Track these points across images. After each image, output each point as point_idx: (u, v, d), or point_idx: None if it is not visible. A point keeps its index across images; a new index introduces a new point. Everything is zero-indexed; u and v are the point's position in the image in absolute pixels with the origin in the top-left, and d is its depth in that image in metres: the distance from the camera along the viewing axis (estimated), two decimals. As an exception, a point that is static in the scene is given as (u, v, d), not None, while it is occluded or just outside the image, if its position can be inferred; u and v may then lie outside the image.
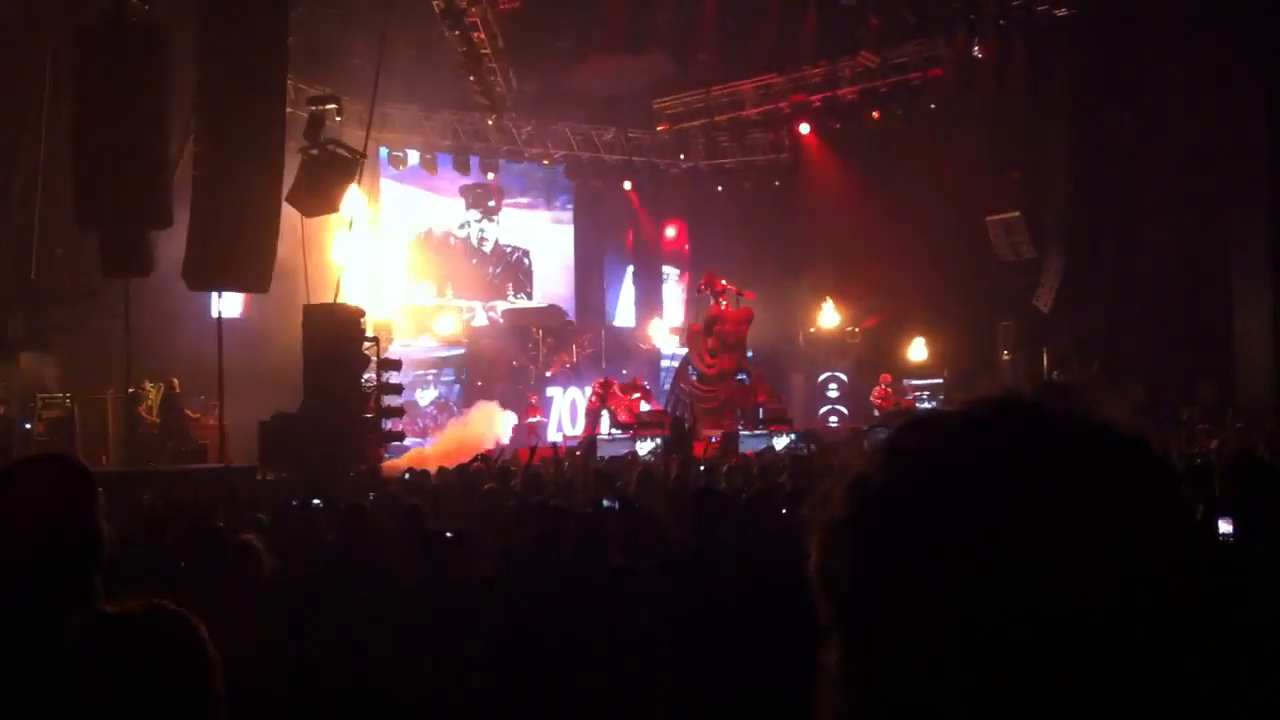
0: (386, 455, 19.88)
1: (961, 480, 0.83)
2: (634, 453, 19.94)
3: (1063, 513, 0.80)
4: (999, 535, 0.80)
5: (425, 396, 26.72)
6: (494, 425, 24.26)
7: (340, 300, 19.85)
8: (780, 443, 21.54)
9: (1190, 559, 0.82)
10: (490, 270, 29.99)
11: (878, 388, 25.91)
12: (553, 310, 30.11)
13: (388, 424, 19.56)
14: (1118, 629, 0.78)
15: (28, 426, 18.43)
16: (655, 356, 29.15)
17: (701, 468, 15.03)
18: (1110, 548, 0.80)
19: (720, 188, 31.57)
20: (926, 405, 25.11)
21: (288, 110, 18.99)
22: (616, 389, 24.76)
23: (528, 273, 30.55)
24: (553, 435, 25.75)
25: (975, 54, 25.25)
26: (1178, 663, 0.80)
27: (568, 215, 31.35)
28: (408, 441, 22.73)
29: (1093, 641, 0.78)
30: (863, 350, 27.89)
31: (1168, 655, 0.79)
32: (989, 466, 0.83)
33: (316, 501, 11.05)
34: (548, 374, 27.40)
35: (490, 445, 22.43)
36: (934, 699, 0.81)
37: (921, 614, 0.81)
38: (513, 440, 23.49)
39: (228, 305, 20.66)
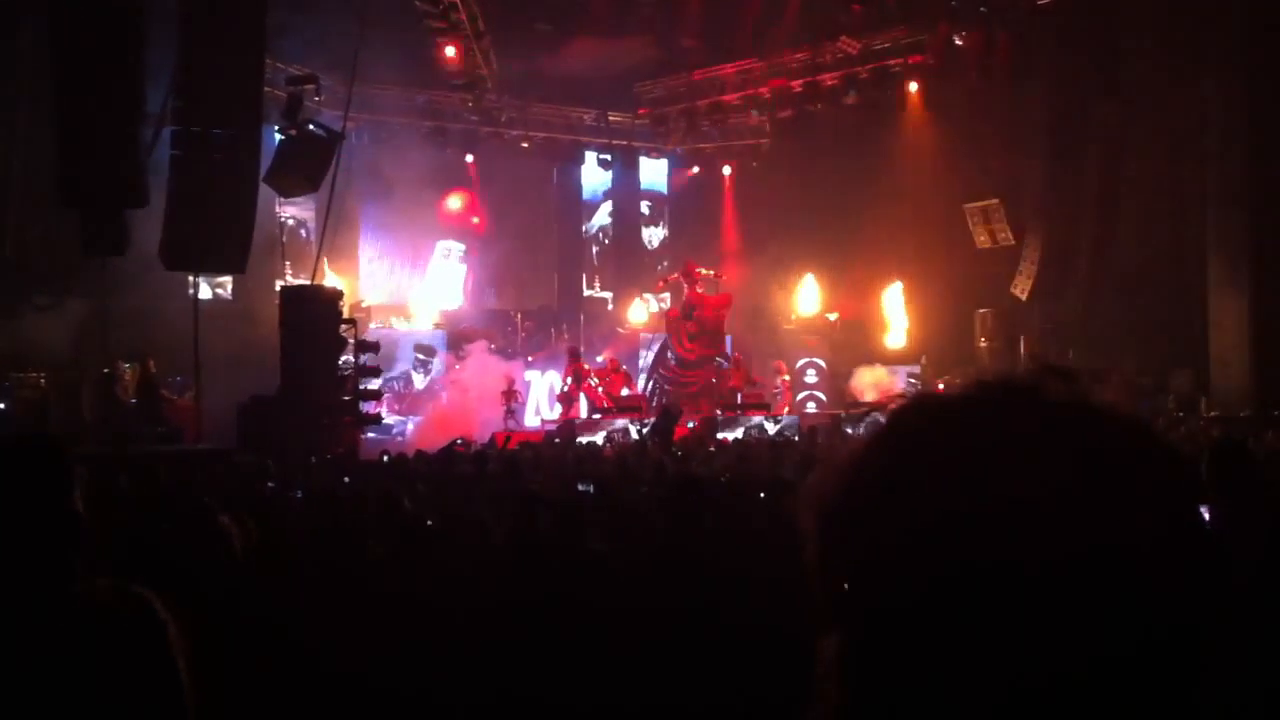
0: (368, 434, 19.87)
1: (963, 465, 0.82)
2: (611, 436, 19.95)
3: (1069, 497, 0.79)
4: (1003, 521, 0.79)
5: (416, 380, 26.67)
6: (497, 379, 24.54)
7: (319, 282, 19.77)
8: (770, 427, 21.60)
9: (1200, 541, 0.81)
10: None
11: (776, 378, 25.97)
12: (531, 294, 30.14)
13: (366, 406, 19.52)
14: (1127, 614, 0.77)
15: (1, 406, 18.30)
16: (634, 340, 29.14)
17: (679, 453, 15.05)
18: (1119, 532, 0.79)
19: (700, 171, 31.55)
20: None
21: (266, 90, 18.87)
22: (591, 372, 24.75)
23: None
24: (530, 419, 25.73)
25: (956, 41, 25.24)
26: (1189, 649, 0.79)
27: (548, 197, 31.28)
28: (391, 420, 22.73)
29: (1102, 628, 0.77)
30: (841, 336, 27.93)
31: (1178, 640, 0.79)
32: (992, 451, 0.82)
33: (300, 494, 11.02)
34: (529, 358, 27.36)
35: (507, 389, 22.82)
36: (935, 689, 0.80)
37: (923, 603, 0.80)
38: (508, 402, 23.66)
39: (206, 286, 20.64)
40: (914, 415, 0.88)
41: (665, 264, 32.01)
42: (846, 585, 0.85)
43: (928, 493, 0.81)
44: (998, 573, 0.78)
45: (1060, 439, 0.82)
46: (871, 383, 26.16)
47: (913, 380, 25.94)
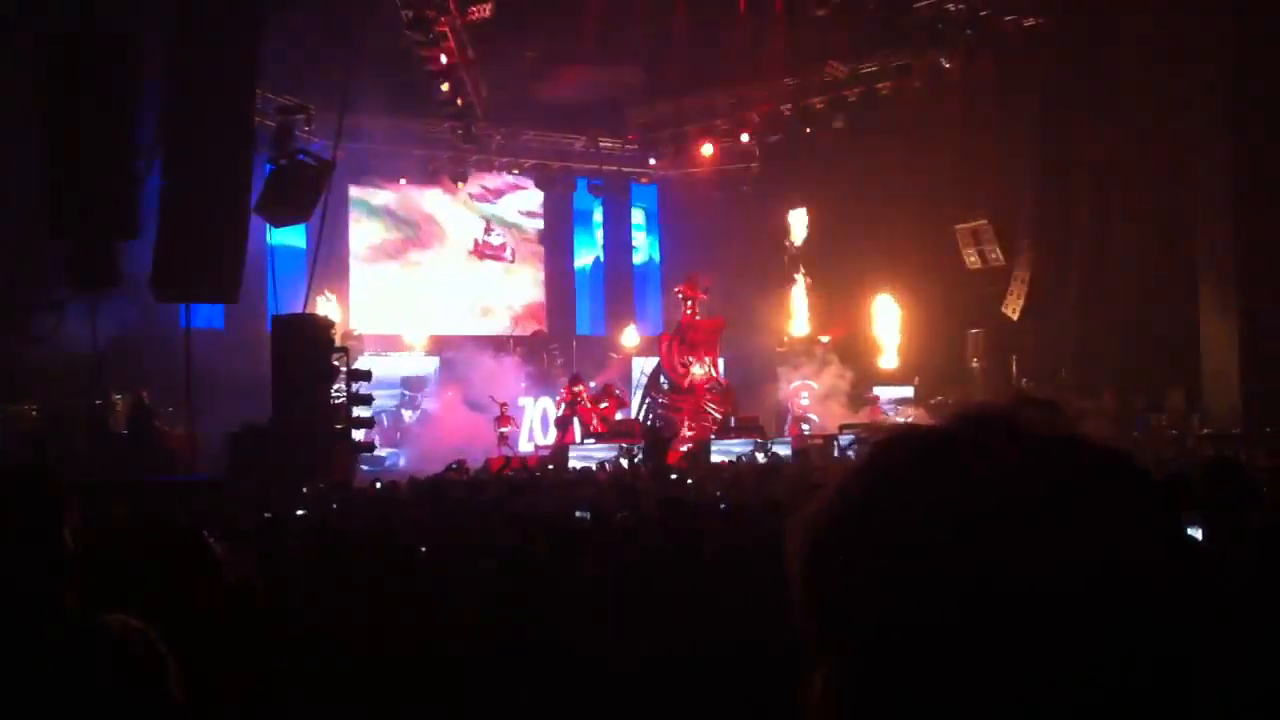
0: (363, 467, 19.83)
1: (942, 497, 0.83)
2: (605, 462, 19.94)
3: (1046, 529, 0.80)
4: (980, 553, 0.80)
5: (405, 416, 26.66)
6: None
7: (311, 311, 19.77)
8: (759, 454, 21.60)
9: (1176, 572, 0.82)
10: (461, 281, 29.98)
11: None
12: (525, 322, 30.17)
13: (358, 434, 19.49)
14: (1106, 645, 0.78)
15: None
16: (627, 365, 29.17)
17: (673, 476, 15.04)
18: (1094, 562, 0.80)
19: (690, 196, 31.63)
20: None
21: (256, 120, 18.90)
22: (585, 397, 24.77)
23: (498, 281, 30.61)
24: (524, 445, 25.73)
25: (943, 64, 25.38)
26: (1178, 670, 0.80)
27: (538, 224, 31.34)
28: (383, 453, 22.71)
29: (1083, 657, 0.78)
30: (833, 358, 27.95)
31: (1155, 665, 0.80)
32: (967, 483, 0.83)
33: (301, 512, 11.00)
34: (521, 384, 27.36)
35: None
36: (915, 715, 0.80)
37: (904, 632, 0.81)
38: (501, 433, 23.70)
39: (206, 316, 20.67)
40: (895, 448, 0.89)
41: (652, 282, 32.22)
42: (828, 614, 0.86)
43: (906, 525, 0.83)
44: (974, 605, 0.79)
45: (1037, 470, 0.83)
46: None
47: (896, 405, 25.97)
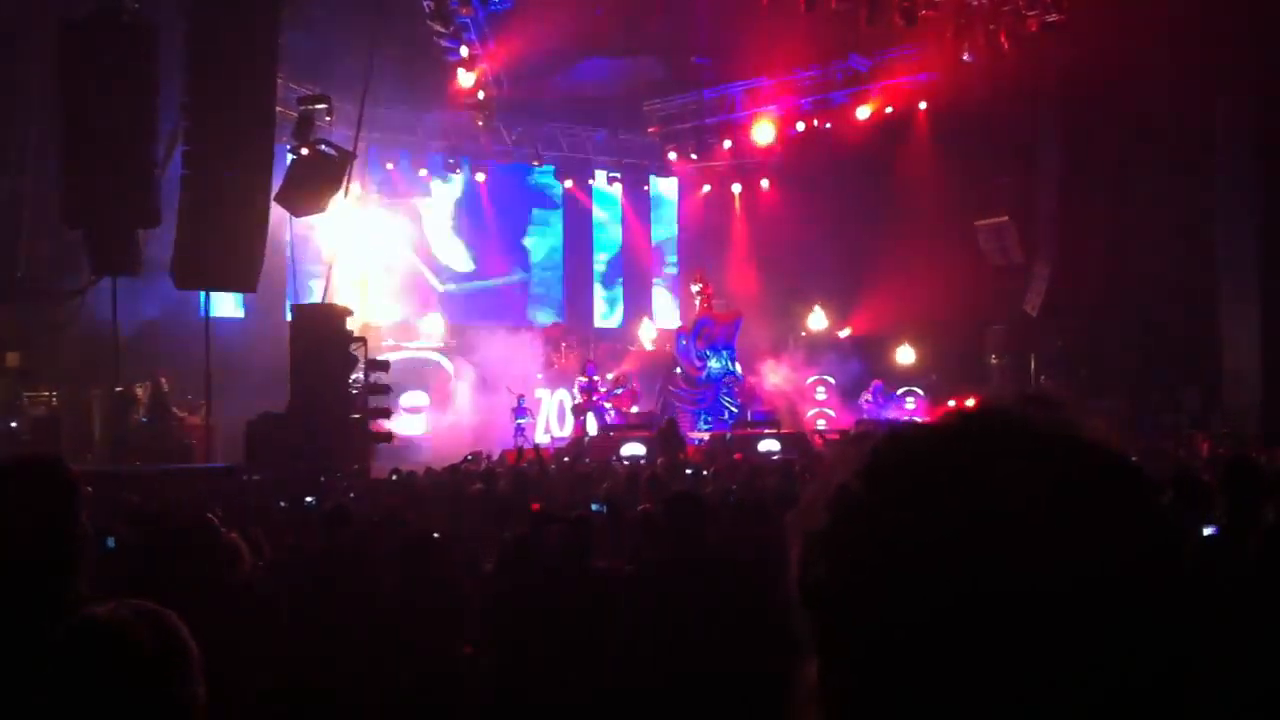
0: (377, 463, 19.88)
1: (941, 495, 0.83)
2: (620, 456, 19.94)
3: (1047, 528, 0.80)
4: (981, 552, 0.80)
5: (417, 399, 26.65)
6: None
7: (329, 300, 19.83)
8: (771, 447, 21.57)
9: (1176, 572, 0.82)
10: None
11: (865, 393, 26.10)
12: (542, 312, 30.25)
13: (376, 424, 19.53)
14: (1106, 645, 0.78)
15: (13, 425, 18.35)
16: (644, 359, 29.16)
17: (688, 470, 15.01)
18: (1095, 562, 0.80)
19: (710, 189, 31.58)
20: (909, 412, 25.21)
21: (277, 110, 18.95)
22: (602, 390, 24.79)
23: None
24: (540, 436, 25.74)
25: (966, 59, 25.25)
26: (1165, 670, 0.80)
27: (557, 217, 31.34)
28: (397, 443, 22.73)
29: (1083, 656, 0.78)
30: (851, 354, 27.93)
31: (1154, 664, 0.80)
32: (968, 481, 0.83)
33: (310, 500, 11.06)
34: (538, 375, 27.39)
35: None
36: (913, 715, 0.81)
37: (905, 631, 0.81)
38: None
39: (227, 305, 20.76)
40: (896, 445, 0.89)
41: (671, 276, 32.22)
42: (825, 611, 0.86)
43: (907, 523, 0.83)
44: (974, 603, 0.79)
45: (1039, 469, 0.83)
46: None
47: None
